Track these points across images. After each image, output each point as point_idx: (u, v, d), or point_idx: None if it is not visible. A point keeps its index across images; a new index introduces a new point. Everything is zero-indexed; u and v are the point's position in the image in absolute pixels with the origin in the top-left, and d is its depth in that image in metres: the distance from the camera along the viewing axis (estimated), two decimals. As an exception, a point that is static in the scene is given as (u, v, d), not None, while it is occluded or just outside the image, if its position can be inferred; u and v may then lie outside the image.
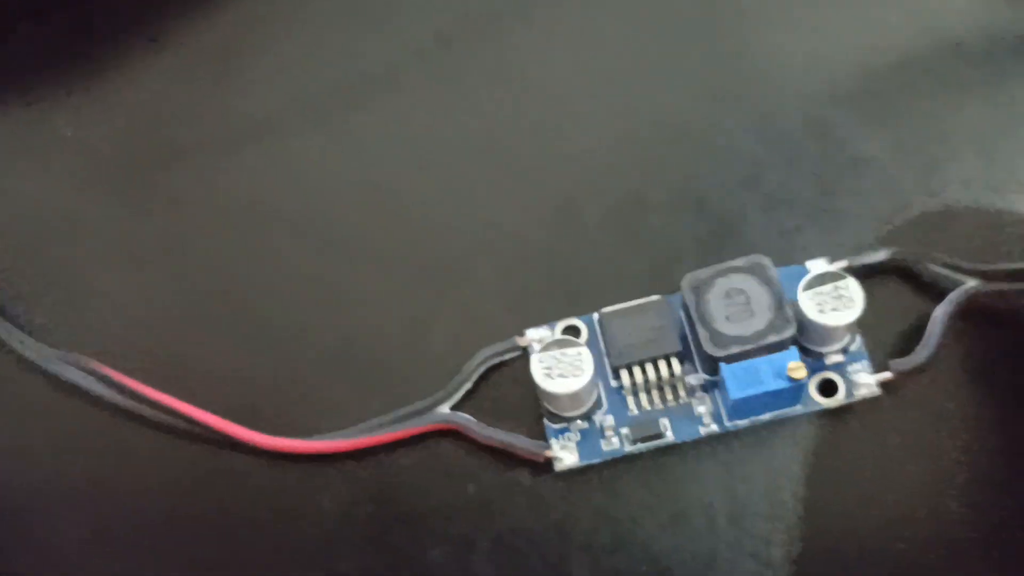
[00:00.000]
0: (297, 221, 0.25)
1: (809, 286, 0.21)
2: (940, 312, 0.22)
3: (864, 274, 0.21)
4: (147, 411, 0.23)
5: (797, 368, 0.20)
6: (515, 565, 0.21)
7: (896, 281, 0.22)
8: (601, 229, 0.23)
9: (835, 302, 0.20)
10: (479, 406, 0.23)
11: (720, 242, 0.23)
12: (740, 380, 0.20)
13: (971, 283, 0.22)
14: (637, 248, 0.24)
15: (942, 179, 0.23)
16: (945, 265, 0.22)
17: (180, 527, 0.22)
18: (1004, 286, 0.22)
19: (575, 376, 0.21)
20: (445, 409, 0.22)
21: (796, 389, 0.20)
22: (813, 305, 0.21)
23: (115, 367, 0.23)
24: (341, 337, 0.24)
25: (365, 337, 0.24)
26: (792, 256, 0.22)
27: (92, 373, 0.23)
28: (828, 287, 0.21)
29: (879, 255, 0.22)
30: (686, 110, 0.25)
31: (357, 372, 0.23)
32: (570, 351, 0.21)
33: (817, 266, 0.22)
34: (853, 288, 0.21)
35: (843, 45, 0.24)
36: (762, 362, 0.20)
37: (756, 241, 0.23)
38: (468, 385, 0.23)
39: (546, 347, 0.21)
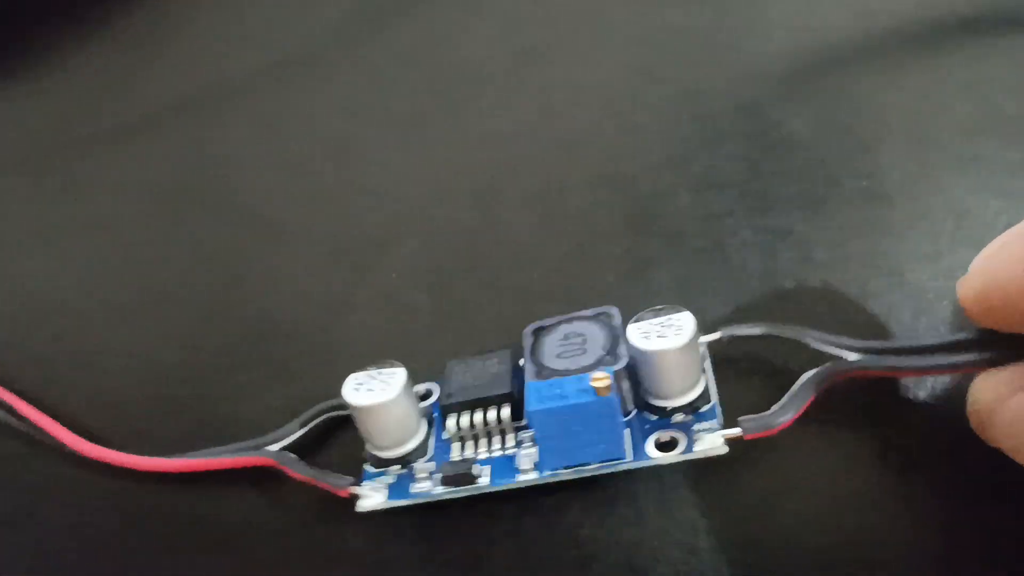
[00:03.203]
0: (214, 203, 0.25)
1: (639, 319, 0.19)
2: (806, 378, 0.19)
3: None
4: None
5: (600, 379, 0.18)
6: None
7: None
8: (522, 210, 0.22)
9: (663, 330, 0.19)
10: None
11: (648, 223, 0.22)
12: (542, 394, 0.18)
13: (851, 357, 0.19)
14: (560, 229, 0.22)
15: (873, 161, 0.21)
16: (824, 341, 0.20)
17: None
18: (885, 363, 0.19)
19: (382, 392, 0.20)
20: (273, 448, 0.21)
21: (609, 418, 0.18)
22: (639, 334, 0.19)
23: (20, 351, 0.23)
24: (256, 319, 0.23)
25: (280, 320, 0.23)
26: (722, 240, 0.20)
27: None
28: (660, 318, 0.19)
29: (756, 329, 0.20)
30: (611, 89, 0.24)
31: (271, 356, 0.22)
32: (385, 369, 0.20)
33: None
34: (685, 319, 0.19)
35: (774, 23, 0.24)
36: (569, 379, 0.18)
37: (683, 222, 0.21)
38: (299, 432, 0.21)
39: (365, 368, 0.20)
